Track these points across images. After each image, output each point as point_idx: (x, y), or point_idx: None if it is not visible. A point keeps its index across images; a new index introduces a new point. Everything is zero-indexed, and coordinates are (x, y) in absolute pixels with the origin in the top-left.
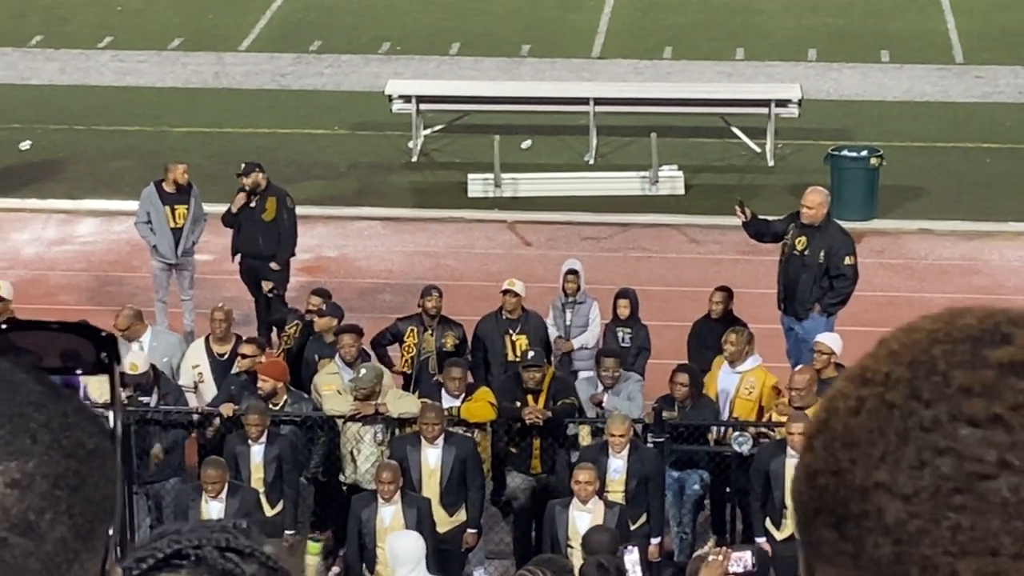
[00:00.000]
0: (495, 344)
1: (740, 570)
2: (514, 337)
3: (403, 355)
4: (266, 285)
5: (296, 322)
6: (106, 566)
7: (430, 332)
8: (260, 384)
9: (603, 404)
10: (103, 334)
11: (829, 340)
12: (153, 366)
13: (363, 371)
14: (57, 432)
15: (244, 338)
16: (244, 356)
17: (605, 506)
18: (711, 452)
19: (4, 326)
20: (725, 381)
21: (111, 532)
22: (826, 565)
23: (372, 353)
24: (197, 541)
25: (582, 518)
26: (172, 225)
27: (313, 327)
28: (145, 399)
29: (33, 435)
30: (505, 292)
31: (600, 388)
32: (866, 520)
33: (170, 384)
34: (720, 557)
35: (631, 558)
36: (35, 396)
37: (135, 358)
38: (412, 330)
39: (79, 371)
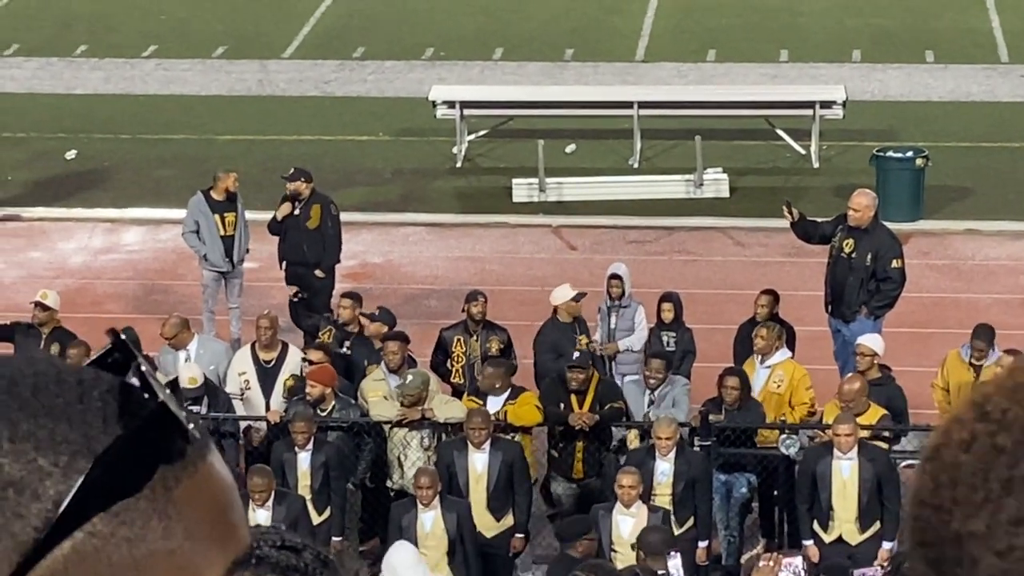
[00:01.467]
0: (566, 348)
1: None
2: (578, 339)
3: (453, 365)
4: (290, 290)
5: (328, 327)
6: None
7: (475, 338)
8: (308, 390)
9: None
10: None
11: (870, 341)
12: (204, 376)
13: (409, 377)
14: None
15: (314, 344)
16: (312, 363)
17: (649, 510)
18: (758, 455)
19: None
20: (757, 377)
21: None
22: None
23: (416, 360)
24: (255, 542)
25: (626, 522)
26: (222, 233)
27: (344, 331)
28: (195, 408)
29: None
30: (570, 301)
31: (646, 392)
32: (959, 568)
33: (219, 394)
34: (771, 563)
35: (674, 563)
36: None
37: (192, 371)
38: (458, 339)
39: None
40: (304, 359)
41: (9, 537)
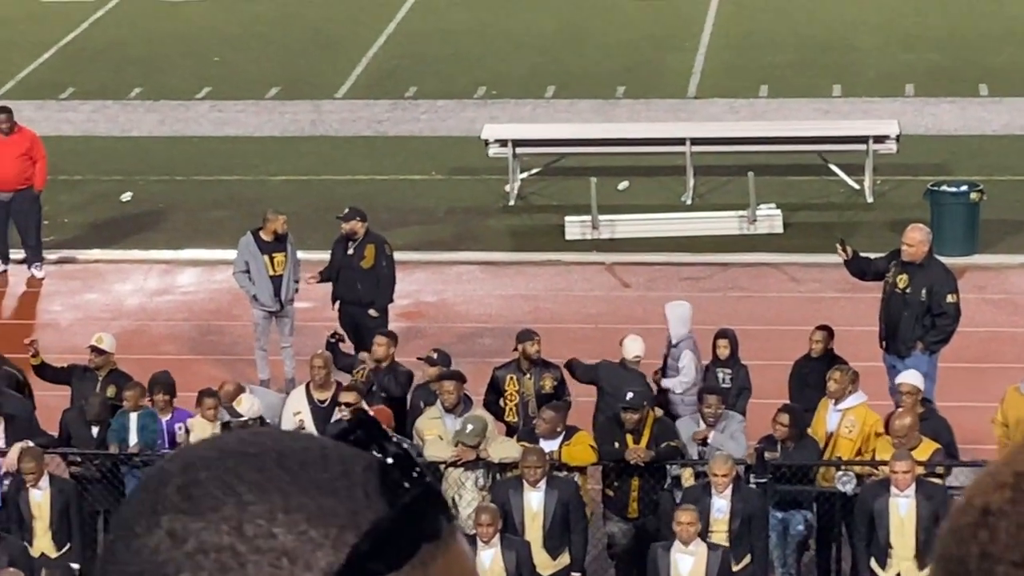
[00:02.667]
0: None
1: None
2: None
3: (506, 404)
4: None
5: (362, 367)
6: None
7: (529, 376)
8: None
9: (707, 441)
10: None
11: (910, 378)
12: (261, 417)
13: (470, 426)
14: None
15: (343, 386)
16: (348, 405)
17: (708, 548)
18: (815, 492)
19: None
20: (829, 420)
21: None
22: None
23: (472, 399)
24: None
25: (684, 560)
26: (271, 273)
27: (378, 369)
28: None
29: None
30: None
31: (703, 426)
32: None
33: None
34: None
35: None
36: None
37: (245, 398)
38: (511, 378)
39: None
40: (339, 403)
41: None
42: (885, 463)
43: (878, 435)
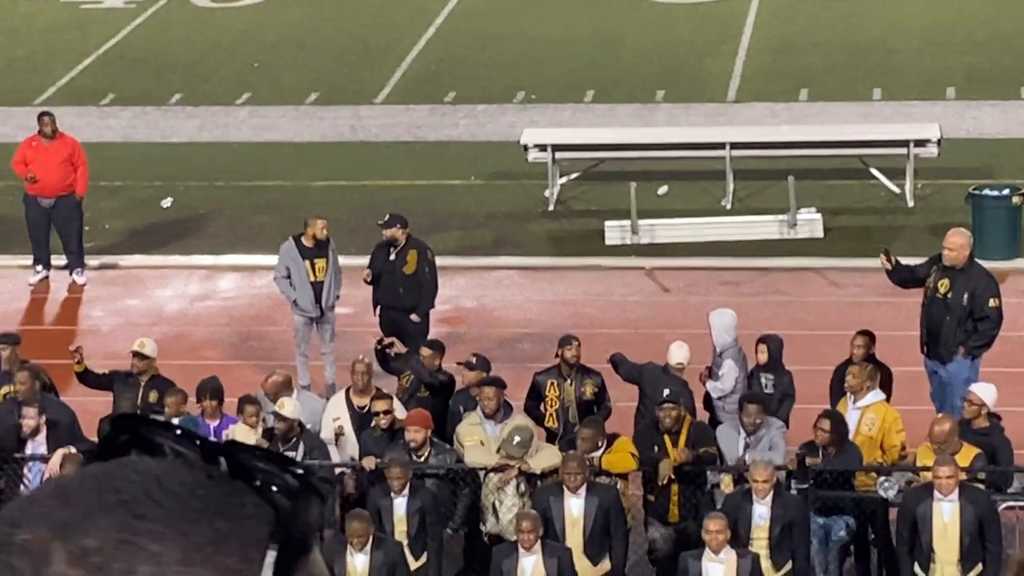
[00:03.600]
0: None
1: None
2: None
3: (547, 410)
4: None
5: (408, 373)
6: None
7: (569, 382)
8: (411, 435)
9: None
10: (311, 481)
11: (983, 392)
12: (300, 422)
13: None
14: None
15: (375, 394)
16: (386, 412)
17: (737, 556)
18: (856, 498)
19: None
20: (849, 420)
21: None
22: None
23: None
24: None
25: (715, 568)
26: (312, 279)
27: (437, 390)
28: (291, 454)
29: (131, 567)
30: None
31: (741, 435)
32: None
33: (315, 439)
34: None
35: None
36: (190, 515)
37: (287, 401)
38: (551, 383)
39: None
40: (376, 412)
41: None
42: (927, 468)
43: (899, 431)
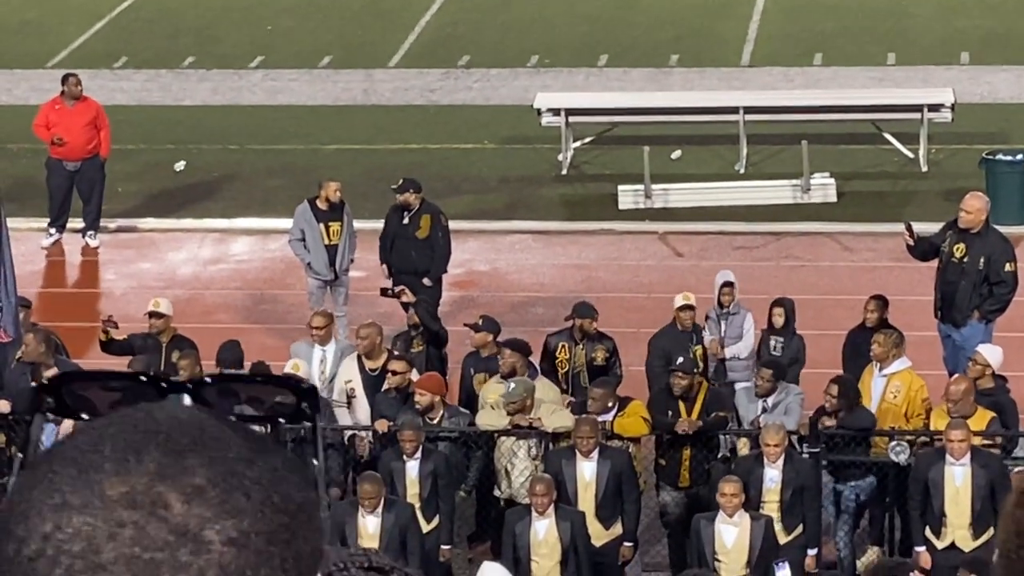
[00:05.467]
0: (676, 354)
1: None
2: (693, 348)
3: (557, 372)
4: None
5: (419, 335)
6: None
7: (581, 347)
8: (418, 398)
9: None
10: (304, 386)
11: (989, 353)
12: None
13: (512, 385)
14: (268, 488)
15: (393, 355)
16: (395, 373)
17: (751, 519)
18: (868, 462)
19: (209, 379)
20: (874, 387)
21: None
22: None
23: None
24: (342, 564)
25: (728, 532)
26: (326, 242)
27: (438, 341)
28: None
29: (247, 492)
30: (684, 308)
31: (759, 402)
32: None
33: (326, 404)
34: None
35: (783, 573)
36: (245, 452)
37: (300, 367)
38: (563, 345)
39: (281, 420)
40: (389, 371)
41: None
42: (940, 433)
43: (924, 400)
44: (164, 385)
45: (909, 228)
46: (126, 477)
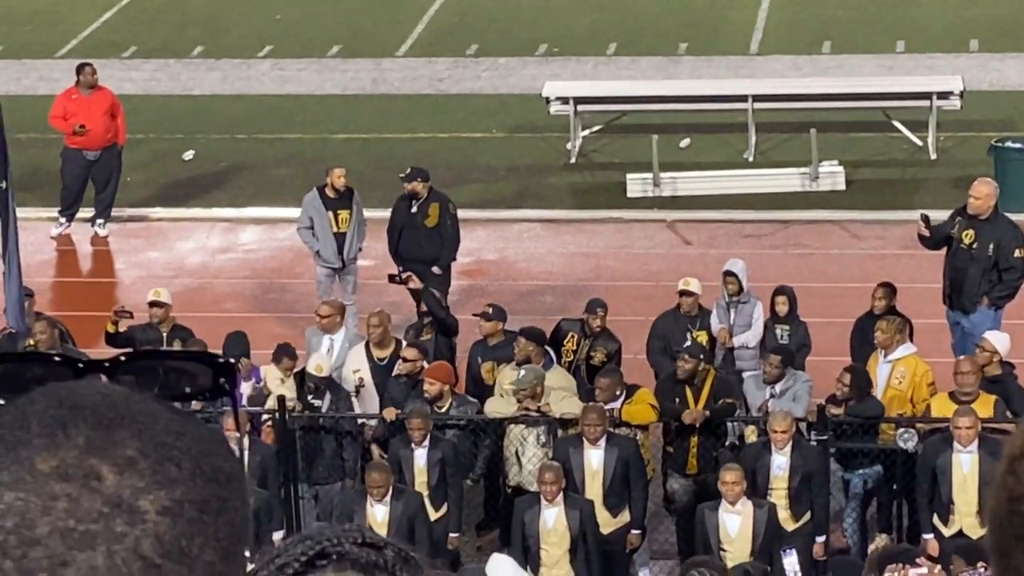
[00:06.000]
0: (677, 341)
1: None
2: (695, 333)
3: (563, 357)
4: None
5: (429, 324)
6: None
7: (587, 341)
8: (426, 387)
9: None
10: (222, 361)
11: (996, 340)
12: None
13: (523, 372)
14: (198, 459)
15: (405, 343)
16: (406, 360)
17: (754, 506)
18: (877, 449)
19: (123, 357)
20: (879, 372)
21: (247, 553)
22: None
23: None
24: (336, 539)
25: (731, 520)
26: (335, 230)
27: (447, 330)
28: (317, 403)
29: (177, 463)
30: (682, 294)
31: (767, 389)
32: None
33: (341, 391)
34: (896, 575)
35: (790, 560)
36: (174, 425)
37: (321, 361)
38: (572, 335)
39: (198, 397)
40: (401, 357)
41: None
42: (947, 420)
43: (929, 385)
44: (80, 365)
45: (926, 219)
46: (56, 451)
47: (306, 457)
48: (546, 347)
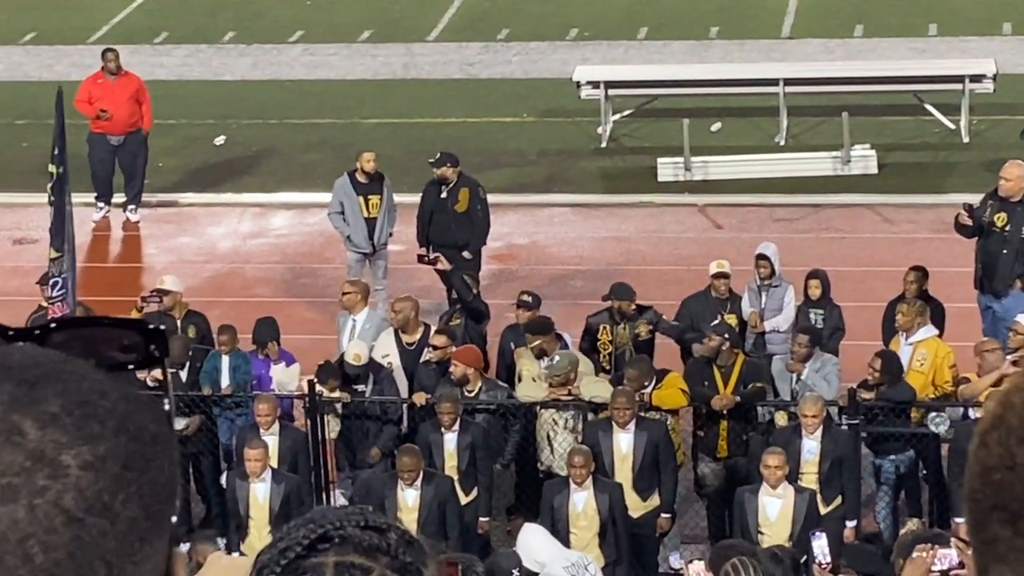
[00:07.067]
0: (706, 323)
1: (945, 567)
2: (725, 316)
3: (600, 352)
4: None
5: (456, 311)
6: (172, 550)
7: (622, 326)
8: (451, 369)
9: (801, 376)
10: (151, 327)
11: None
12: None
13: (556, 358)
14: (122, 417)
15: (434, 329)
16: (435, 347)
17: (795, 491)
18: (908, 433)
19: (53, 324)
20: (901, 356)
21: (174, 519)
22: (1000, 565)
23: (568, 340)
24: (339, 522)
25: (772, 504)
26: (365, 215)
27: (476, 316)
28: (361, 388)
29: (101, 420)
30: (717, 276)
31: (791, 377)
32: None
33: (381, 370)
34: (925, 555)
35: (819, 543)
36: (97, 384)
37: (359, 348)
38: (603, 327)
39: (131, 365)
40: (428, 344)
41: None
42: (979, 404)
43: (951, 367)
44: (10, 333)
45: (969, 208)
46: None
47: (347, 443)
48: (557, 333)
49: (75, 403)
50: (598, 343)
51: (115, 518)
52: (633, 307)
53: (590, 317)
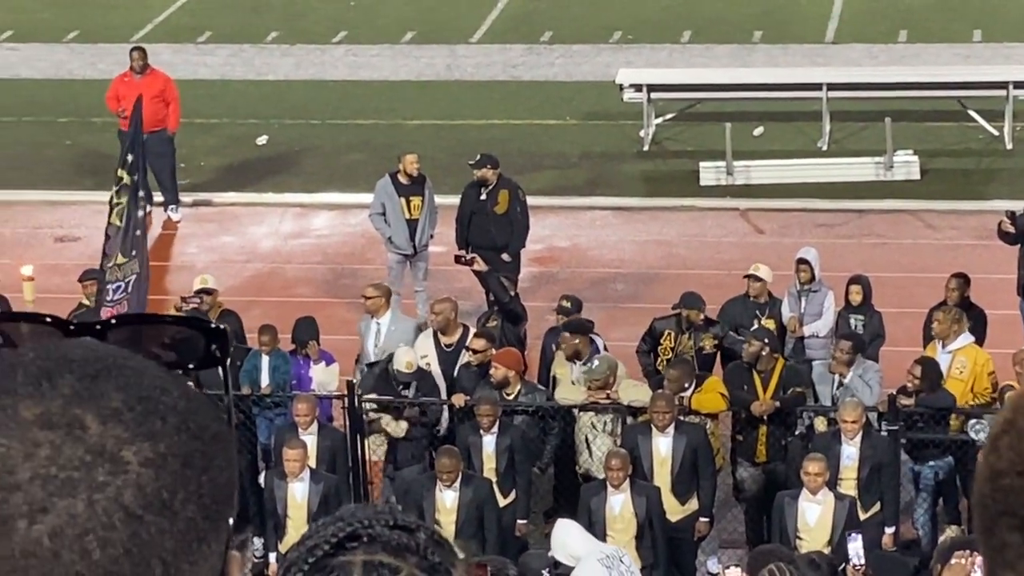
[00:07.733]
0: (745, 326)
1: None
2: (763, 320)
3: (660, 356)
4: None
5: (494, 313)
6: (228, 552)
7: (688, 336)
8: (492, 372)
9: (842, 376)
10: (213, 327)
11: None
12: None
13: (596, 363)
14: (183, 415)
15: (473, 332)
16: (475, 351)
17: (835, 498)
18: (948, 440)
19: (114, 320)
20: (939, 363)
21: (232, 520)
22: (1009, 572)
23: (599, 343)
24: (367, 521)
25: (812, 509)
26: (407, 216)
27: (514, 318)
28: (406, 392)
29: (162, 417)
30: (750, 278)
31: (835, 377)
32: None
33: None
34: (964, 561)
35: (855, 545)
36: (160, 381)
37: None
38: (669, 333)
39: (190, 364)
40: (467, 348)
41: None
42: None
43: (990, 374)
44: (71, 327)
45: (1012, 216)
46: (41, 400)
47: (389, 442)
48: (591, 336)
49: (136, 399)
50: (660, 347)
51: (174, 517)
52: (702, 317)
53: (657, 320)
